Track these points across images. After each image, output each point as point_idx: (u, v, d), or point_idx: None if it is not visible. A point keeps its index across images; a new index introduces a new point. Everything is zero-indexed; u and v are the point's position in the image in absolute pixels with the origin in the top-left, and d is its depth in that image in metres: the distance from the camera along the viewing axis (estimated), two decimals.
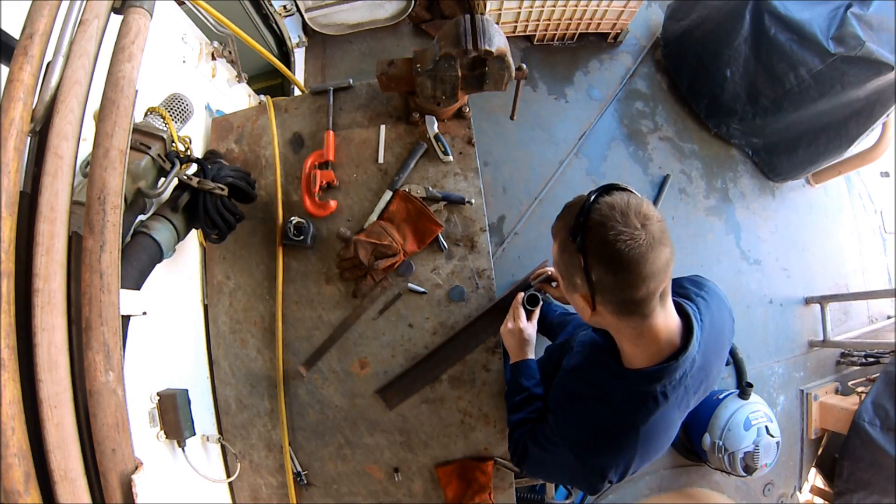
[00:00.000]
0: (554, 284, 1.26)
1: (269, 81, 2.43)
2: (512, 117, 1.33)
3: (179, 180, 1.06)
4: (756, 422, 2.14)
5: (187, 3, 1.41)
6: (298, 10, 2.44)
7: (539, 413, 1.11)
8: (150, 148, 1.00)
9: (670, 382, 0.83)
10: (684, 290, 0.96)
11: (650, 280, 0.74)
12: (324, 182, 1.38)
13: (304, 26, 2.59)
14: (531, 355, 1.19)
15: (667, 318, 0.82)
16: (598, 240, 0.75)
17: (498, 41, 1.09)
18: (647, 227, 0.73)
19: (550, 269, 1.28)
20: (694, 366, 0.85)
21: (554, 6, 2.54)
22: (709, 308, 0.93)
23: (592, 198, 0.78)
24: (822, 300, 2.79)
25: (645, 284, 0.75)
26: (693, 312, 0.86)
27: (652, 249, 0.73)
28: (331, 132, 1.41)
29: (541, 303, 1.21)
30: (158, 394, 1.12)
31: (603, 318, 0.84)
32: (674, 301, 0.85)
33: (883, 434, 2.20)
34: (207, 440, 1.32)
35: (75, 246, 0.70)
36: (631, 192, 0.79)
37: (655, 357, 0.84)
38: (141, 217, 1.06)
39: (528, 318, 1.20)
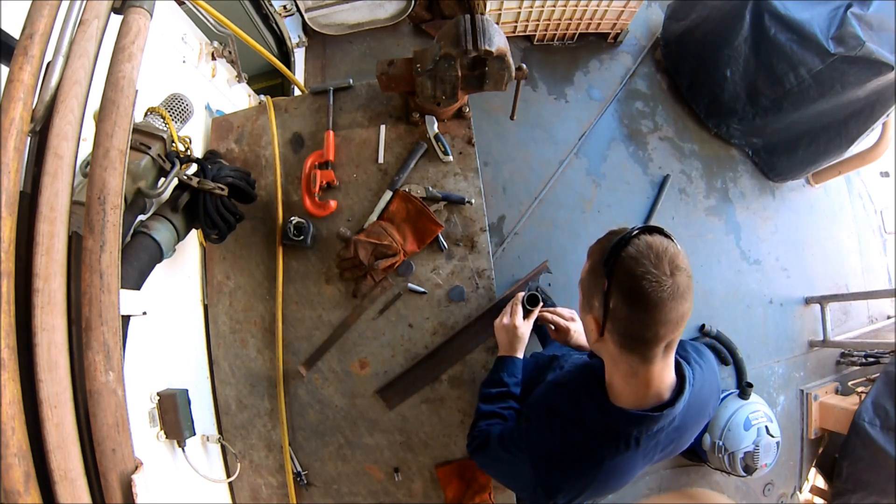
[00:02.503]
0: (553, 327, 1.27)
1: (269, 81, 2.43)
2: (512, 117, 1.33)
3: (179, 180, 1.06)
4: (756, 422, 2.14)
5: (187, 3, 1.41)
6: (298, 10, 2.44)
7: (510, 412, 1.13)
8: (150, 148, 1.00)
9: (647, 431, 0.85)
10: (685, 352, 0.98)
11: (661, 326, 0.77)
12: (324, 182, 1.38)
13: (304, 26, 2.59)
14: (520, 354, 1.20)
15: (664, 370, 0.84)
16: (626, 271, 0.78)
17: (498, 41, 1.09)
18: (676, 277, 0.76)
19: (567, 313, 1.27)
20: (672, 424, 0.87)
21: (554, 6, 2.54)
22: (702, 376, 0.95)
23: (635, 232, 0.81)
24: (822, 300, 2.79)
25: (655, 328, 0.77)
26: (688, 374, 0.88)
27: (673, 299, 0.75)
28: (331, 132, 1.41)
29: (540, 304, 1.21)
30: (158, 394, 1.12)
31: (605, 346, 0.86)
32: (675, 358, 0.88)
33: (883, 434, 2.20)
34: (207, 440, 1.32)
35: (75, 246, 0.70)
36: (672, 239, 0.82)
37: (641, 402, 0.85)
38: (141, 217, 1.06)
39: (526, 317, 1.21)
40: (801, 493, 2.66)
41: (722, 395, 2.25)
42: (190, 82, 1.49)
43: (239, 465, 1.40)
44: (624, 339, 0.81)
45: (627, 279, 0.77)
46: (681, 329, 0.80)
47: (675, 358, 0.87)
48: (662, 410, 0.83)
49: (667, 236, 0.82)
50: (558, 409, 0.97)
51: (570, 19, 2.67)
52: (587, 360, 1.04)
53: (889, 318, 3.02)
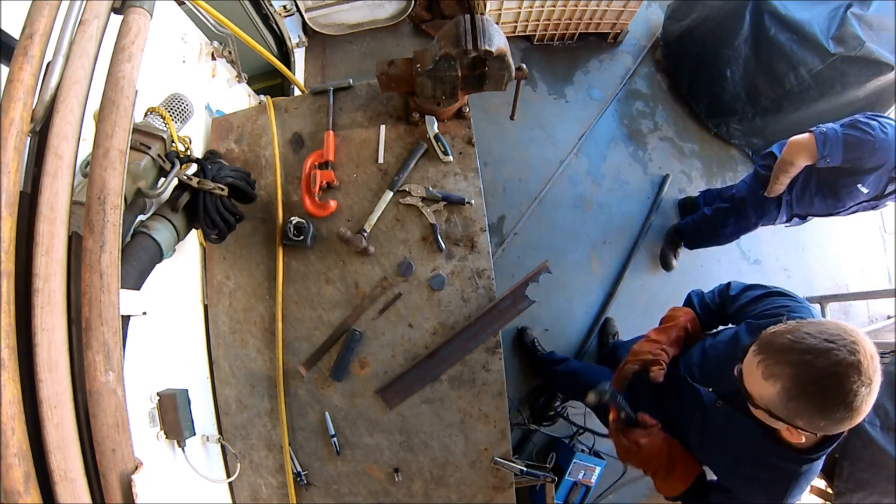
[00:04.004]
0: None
1: (269, 81, 2.43)
2: (512, 117, 1.33)
3: (179, 180, 1.06)
4: None
5: (187, 3, 1.41)
6: (298, 10, 2.44)
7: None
8: (150, 148, 0.99)
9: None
10: None
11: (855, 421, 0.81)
12: (324, 182, 1.38)
13: (304, 26, 2.59)
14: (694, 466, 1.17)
15: None
16: (838, 403, 0.78)
17: (498, 41, 1.09)
18: (876, 374, 0.78)
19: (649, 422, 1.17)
20: None
21: (554, 6, 2.54)
22: None
23: (837, 359, 0.78)
24: (822, 300, 2.79)
25: (855, 422, 0.81)
26: None
27: (875, 394, 0.79)
28: (331, 132, 1.41)
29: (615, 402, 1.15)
30: (158, 394, 1.12)
31: (806, 436, 0.90)
32: None
33: (883, 434, 2.20)
34: (207, 440, 1.32)
35: (75, 246, 0.70)
36: (851, 326, 0.82)
37: (817, 440, 0.95)
38: (141, 217, 1.06)
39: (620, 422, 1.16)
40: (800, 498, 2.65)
41: None
42: (190, 82, 1.49)
43: (239, 465, 1.39)
44: (825, 430, 0.86)
45: (835, 405, 0.78)
46: None
47: None
48: (833, 442, 0.95)
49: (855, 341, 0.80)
50: (753, 478, 1.03)
51: (570, 19, 2.67)
52: (749, 426, 1.02)
53: (889, 318, 3.02)
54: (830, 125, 1.67)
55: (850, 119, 1.66)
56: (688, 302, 1.37)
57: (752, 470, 1.03)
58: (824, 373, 0.78)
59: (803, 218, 2.05)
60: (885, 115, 1.69)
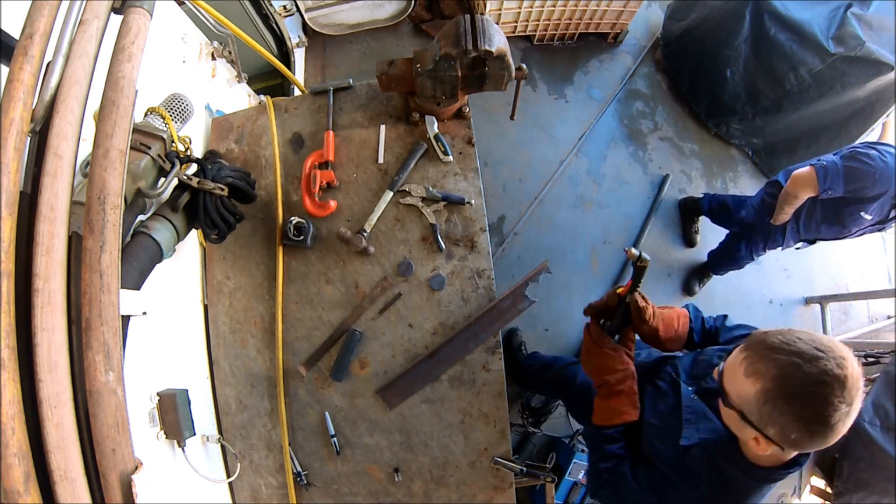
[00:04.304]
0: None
1: (269, 81, 2.43)
2: (512, 117, 1.33)
3: (179, 180, 1.06)
4: None
5: (187, 3, 1.41)
6: (298, 10, 2.44)
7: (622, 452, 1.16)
8: (150, 148, 0.99)
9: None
10: None
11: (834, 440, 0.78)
12: (324, 182, 1.38)
13: (304, 26, 2.59)
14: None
15: None
16: (816, 414, 0.76)
17: (498, 41, 1.09)
18: (855, 401, 0.75)
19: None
20: None
21: (554, 6, 2.55)
22: None
23: (824, 368, 0.76)
24: (822, 300, 2.79)
25: (829, 444, 0.78)
26: None
27: (852, 418, 0.76)
28: (331, 132, 1.41)
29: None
30: (158, 394, 1.12)
31: (774, 449, 0.85)
32: None
33: (883, 434, 2.20)
34: (207, 440, 1.32)
35: (75, 246, 0.70)
36: (841, 343, 0.79)
37: (782, 460, 0.90)
38: (141, 217, 1.06)
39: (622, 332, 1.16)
40: (800, 497, 2.65)
41: None
42: (190, 82, 1.49)
43: (239, 465, 1.40)
44: (796, 450, 0.84)
45: (812, 418, 0.76)
46: None
47: None
48: (799, 463, 0.89)
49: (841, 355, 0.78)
50: (697, 472, 0.99)
51: (570, 19, 2.67)
52: (714, 425, 1.00)
53: (889, 318, 3.02)
54: (830, 158, 1.71)
55: (850, 150, 1.70)
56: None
57: (707, 471, 0.98)
58: (809, 379, 0.75)
59: (811, 242, 2.11)
60: (885, 142, 1.73)
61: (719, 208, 2.43)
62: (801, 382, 0.76)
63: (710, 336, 1.22)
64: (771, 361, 0.80)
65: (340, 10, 2.57)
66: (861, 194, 1.68)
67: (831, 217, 1.88)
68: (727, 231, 2.43)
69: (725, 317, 1.24)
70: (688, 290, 2.66)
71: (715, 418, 0.99)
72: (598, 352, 1.14)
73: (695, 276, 2.65)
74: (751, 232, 2.19)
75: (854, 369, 0.75)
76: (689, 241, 2.70)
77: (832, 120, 2.46)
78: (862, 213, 1.77)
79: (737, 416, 0.86)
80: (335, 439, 1.38)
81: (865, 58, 2.09)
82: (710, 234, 2.69)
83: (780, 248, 2.16)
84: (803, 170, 1.76)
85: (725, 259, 2.47)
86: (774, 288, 2.79)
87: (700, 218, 2.66)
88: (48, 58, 0.76)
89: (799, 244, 2.14)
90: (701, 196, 2.58)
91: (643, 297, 1.13)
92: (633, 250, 1.04)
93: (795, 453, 0.88)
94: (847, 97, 2.29)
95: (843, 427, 0.76)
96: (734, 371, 0.86)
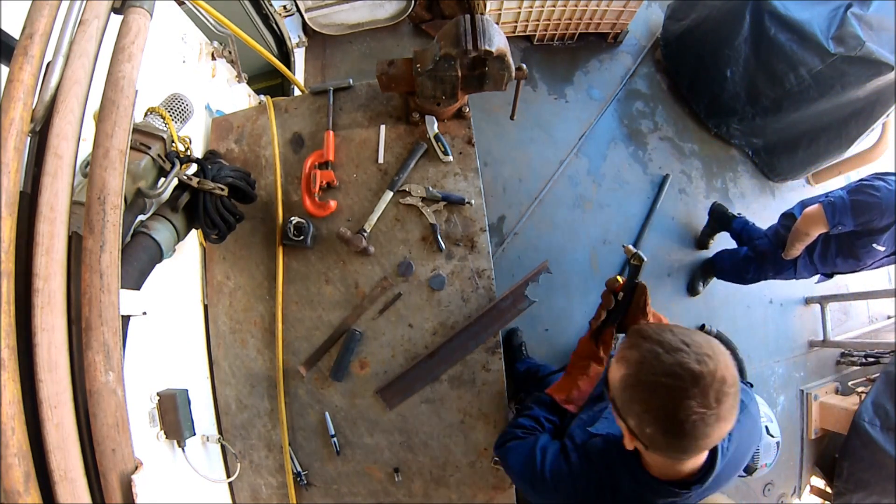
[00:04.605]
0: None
1: (269, 81, 2.43)
2: (512, 117, 1.33)
3: (179, 180, 1.06)
4: None
5: (187, 3, 1.41)
6: (298, 10, 2.44)
7: (550, 426, 1.15)
8: (150, 148, 1.00)
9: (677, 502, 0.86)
10: None
11: (703, 448, 0.75)
12: (324, 182, 1.38)
13: (304, 26, 2.59)
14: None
15: (698, 458, 0.82)
16: (663, 404, 0.72)
17: (498, 41, 1.09)
18: (722, 405, 0.70)
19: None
20: (703, 492, 0.86)
21: (554, 6, 2.54)
22: (740, 434, 0.91)
23: (677, 350, 0.73)
24: (822, 300, 2.79)
25: (696, 450, 0.75)
26: (722, 447, 0.85)
27: (717, 427, 0.71)
28: (331, 132, 1.41)
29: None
30: (158, 394, 1.12)
31: (640, 447, 0.82)
32: None
33: (883, 434, 2.20)
34: (207, 440, 1.32)
35: (75, 246, 0.70)
36: (727, 348, 0.75)
37: (673, 476, 0.85)
38: (141, 217, 1.06)
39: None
40: (800, 498, 2.65)
41: None
42: (190, 82, 1.49)
43: (239, 465, 1.40)
44: (661, 454, 0.80)
45: (665, 415, 0.72)
46: (723, 437, 0.77)
47: None
48: (690, 488, 0.83)
49: (724, 342, 0.76)
50: (594, 461, 0.96)
51: (570, 19, 2.67)
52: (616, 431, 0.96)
53: (889, 318, 3.02)
54: (837, 193, 1.75)
55: (856, 183, 1.73)
56: None
57: (600, 462, 0.95)
58: (661, 369, 0.72)
59: (828, 276, 2.13)
60: (892, 172, 1.73)
61: (746, 236, 2.44)
62: (655, 371, 0.73)
63: None
64: (636, 348, 0.78)
65: (340, 10, 2.57)
66: (871, 226, 1.70)
67: (846, 251, 1.90)
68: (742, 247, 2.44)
69: None
70: (691, 289, 2.65)
71: None
72: (583, 340, 1.21)
73: (699, 277, 2.64)
74: (761, 260, 2.22)
75: (717, 371, 0.70)
76: (701, 243, 2.70)
77: (832, 120, 2.46)
78: (875, 245, 1.79)
79: (614, 408, 0.83)
80: (335, 439, 1.38)
81: (865, 58, 2.09)
82: (722, 240, 2.70)
83: (793, 279, 2.17)
84: (812, 208, 1.80)
85: (732, 274, 2.48)
86: (774, 288, 2.79)
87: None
88: (48, 58, 0.76)
89: (817, 277, 2.16)
90: (736, 215, 2.52)
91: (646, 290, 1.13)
92: (631, 247, 1.06)
93: (692, 470, 0.83)
94: (847, 97, 2.29)
95: (704, 433, 0.70)
96: (615, 358, 0.85)
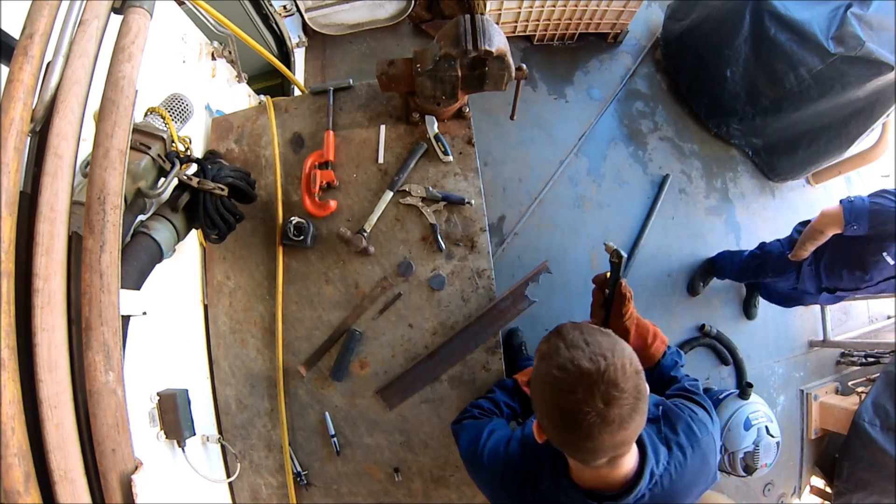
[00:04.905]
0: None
1: (269, 81, 2.43)
2: (512, 117, 1.33)
3: (179, 180, 1.06)
4: (756, 422, 2.14)
5: (187, 3, 1.41)
6: (298, 10, 2.44)
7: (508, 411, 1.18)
8: (150, 148, 1.00)
9: None
10: (674, 433, 0.92)
11: (599, 452, 0.74)
12: (324, 182, 1.38)
13: (304, 26, 2.59)
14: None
15: (612, 471, 0.81)
16: (552, 399, 0.73)
17: (498, 41, 1.09)
18: (612, 408, 0.69)
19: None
20: None
21: (554, 6, 2.54)
22: (682, 465, 0.89)
23: (574, 346, 0.74)
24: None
25: (592, 453, 0.74)
26: (649, 467, 0.83)
27: (608, 431, 0.70)
28: (331, 132, 1.41)
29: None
30: (158, 394, 1.12)
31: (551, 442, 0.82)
32: (639, 443, 0.84)
33: (883, 434, 2.20)
34: (207, 440, 1.32)
35: (75, 246, 0.70)
36: (628, 356, 0.73)
37: (590, 485, 0.85)
38: (141, 217, 1.06)
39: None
40: (800, 498, 2.65)
41: (722, 395, 2.25)
42: (190, 82, 1.49)
43: (239, 465, 1.40)
44: (564, 451, 0.80)
45: (554, 409, 0.73)
46: (628, 446, 0.77)
47: (644, 442, 0.85)
48: (602, 502, 0.82)
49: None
50: (527, 455, 0.96)
51: (570, 19, 2.67)
52: None
53: (889, 318, 3.02)
54: (858, 195, 1.75)
55: (881, 190, 1.74)
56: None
57: (532, 453, 0.94)
58: (557, 364, 0.73)
59: (832, 292, 2.11)
60: None
61: (732, 259, 2.45)
62: (552, 365, 0.74)
63: (663, 380, 1.17)
64: (546, 342, 0.80)
65: (340, 10, 2.57)
66: (884, 232, 1.70)
67: (853, 261, 1.89)
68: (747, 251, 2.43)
69: (696, 380, 1.15)
70: (692, 289, 2.65)
71: None
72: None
73: (699, 277, 2.65)
74: (763, 261, 2.22)
75: (608, 372, 0.69)
76: (693, 290, 2.67)
77: (832, 120, 2.46)
78: (884, 255, 1.78)
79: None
80: (335, 439, 1.38)
81: (865, 58, 2.09)
82: (722, 240, 2.71)
83: (794, 287, 2.16)
84: (832, 206, 1.79)
85: (732, 274, 2.49)
86: None
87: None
88: (48, 58, 0.76)
89: (822, 295, 2.14)
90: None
91: (628, 290, 1.13)
92: (611, 244, 1.07)
93: (609, 484, 0.83)
94: (847, 97, 2.29)
95: (589, 433, 0.70)
96: None
